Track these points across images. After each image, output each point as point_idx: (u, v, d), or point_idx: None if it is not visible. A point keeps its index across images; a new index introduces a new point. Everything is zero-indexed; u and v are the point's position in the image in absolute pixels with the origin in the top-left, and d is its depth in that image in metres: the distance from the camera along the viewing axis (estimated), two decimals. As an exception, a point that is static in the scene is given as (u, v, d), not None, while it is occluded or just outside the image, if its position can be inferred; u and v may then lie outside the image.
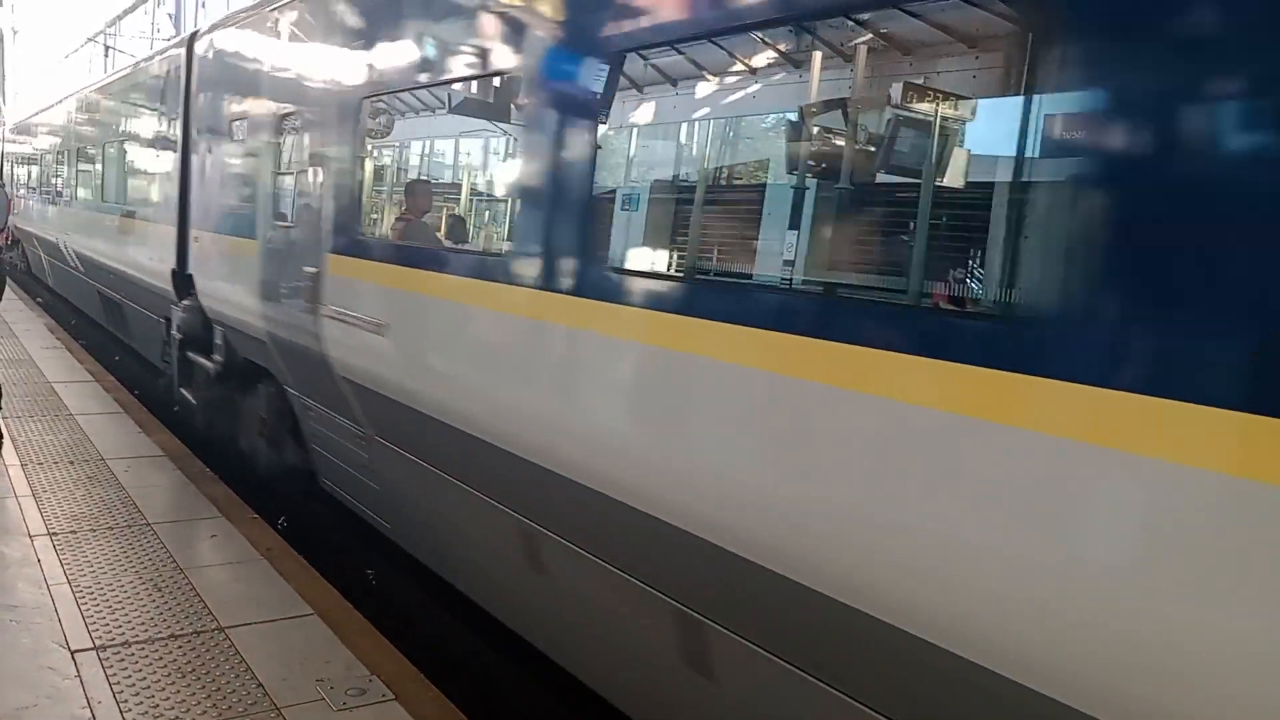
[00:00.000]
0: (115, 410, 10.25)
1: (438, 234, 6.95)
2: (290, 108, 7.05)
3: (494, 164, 8.79)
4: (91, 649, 4.89)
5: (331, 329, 6.09)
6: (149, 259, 10.87)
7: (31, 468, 7.82)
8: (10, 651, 4.84)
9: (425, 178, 9.27)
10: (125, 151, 13.31)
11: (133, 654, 4.88)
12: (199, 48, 9.46)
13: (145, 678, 4.65)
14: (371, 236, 6.60)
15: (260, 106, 7.66)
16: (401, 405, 5.31)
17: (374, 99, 5.95)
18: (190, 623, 5.28)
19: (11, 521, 6.60)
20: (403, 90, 5.98)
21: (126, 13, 40.81)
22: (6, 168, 27.03)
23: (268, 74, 7.57)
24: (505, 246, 5.42)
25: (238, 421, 8.71)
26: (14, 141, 28.81)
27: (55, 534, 6.40)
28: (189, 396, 9.58)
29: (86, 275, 15.35)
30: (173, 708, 4.41)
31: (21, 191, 24.40)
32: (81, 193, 16.48)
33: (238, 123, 8.34)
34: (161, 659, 4.85)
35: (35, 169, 23.04)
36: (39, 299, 20.59)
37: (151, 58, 12.38)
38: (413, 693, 4.72)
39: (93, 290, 15.29)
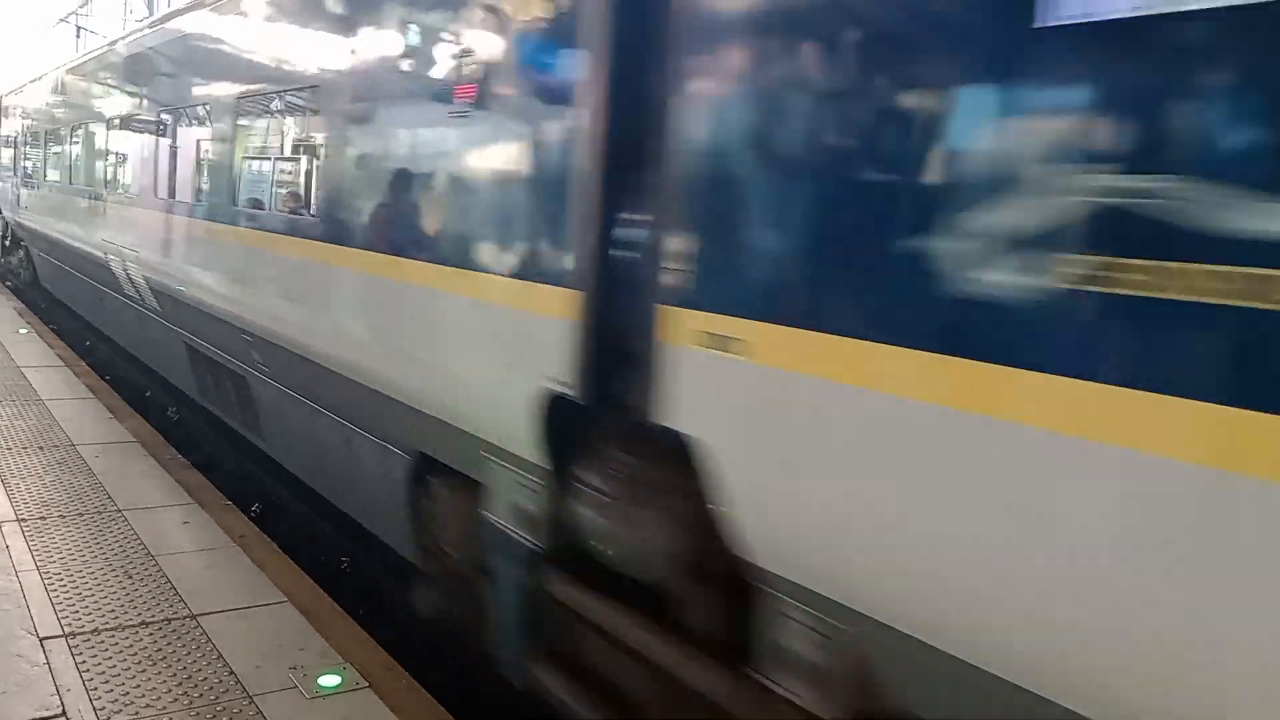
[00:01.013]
0: (86, 396, 10.14)
1: None
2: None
3: None
4: (61, 636, 4.84)
5: None
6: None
7: (0, 453, 7.72)
8: (-23, 639, 4.79)
9: None
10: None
11: (102, 641, 4.83)
12: None
13: (115, 665, 4.60)
14: None
15: None
16: None
17: None
18: (161, 610, 5.23)
19: (-21, 507, 6.52)
20: None
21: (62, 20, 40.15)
22: None
23: None
24: None
25: None
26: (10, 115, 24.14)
27: (24, 520, 6.32)
28: None
29: (171, 321, 9.58)
30: (143, 695, 4.37)
31: (13, 178, 20.28)
32: (158, 187, 9.66)
33: None
34: (132, 646, 4.80)
35: (48, 150, 16.98)
36: (7, 282, 20.28)
37: None
38: (386, 681, 4.69)
39: (180, 346, 9.49)
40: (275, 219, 6.87)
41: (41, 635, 4.82)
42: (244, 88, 7.69)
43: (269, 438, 7.61)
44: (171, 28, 9.77)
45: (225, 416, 8.66)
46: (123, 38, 12.21)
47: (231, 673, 4.62)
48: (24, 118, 20.04)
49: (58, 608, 5.14)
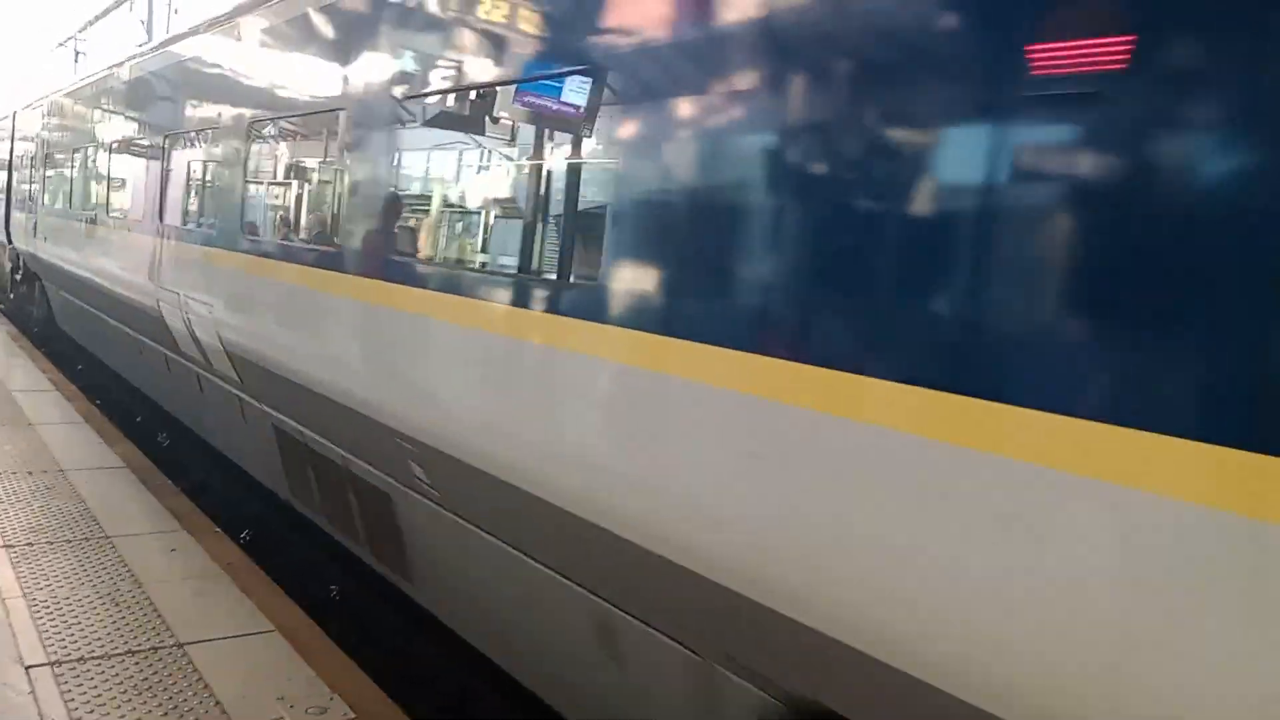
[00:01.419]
0: (76, 420, 10.10)
1: None
2: None
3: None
4: (46, 664, 4.80)
5: None
6: None
7: (-11, 478, 7.69)
8: (-38, 667, 4.75)
9: None
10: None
11: (88, 670, 4.79)
12: None
13: (101, 694, 4.56)
14: None
15: None
16: None
17: None
18: (148, 638, 5.19)
19: (-34, 533, 6.48)
20: None
21: (98, 18, 40.45)
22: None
23: None
24: None
25: None
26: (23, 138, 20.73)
27: (11, 546, 6.28)
28: None
29: (254, 396, 7.51)
30: (128, 725, 4.33)
31: (27, 202, 17.34)
32: (249, 223, 7.71)
33: None
34: (118, 675, 4.76)
35: (75, 171, 13.99)
36: (24, 326, 19.64)
37: None
38: (375, 712, 4.66)
39: (265, 429, 7.51)
40: (503, 284, 4.55)
41: (27, 663, 4.78)
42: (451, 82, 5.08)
43: (422, 580, 5.79)
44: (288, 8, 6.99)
45: (334, 531, 6.73)
46: (193, 31, 9.09)
47: (218, 703, 4.58)
48: (45, 133, 16.55)
49: (44, 635, 5.10)
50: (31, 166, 17.68)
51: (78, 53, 18.90)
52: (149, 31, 12.65)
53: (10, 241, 19.00)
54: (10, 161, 20.36)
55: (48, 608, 5.44)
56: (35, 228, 15.91)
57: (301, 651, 5.17)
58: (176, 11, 11.07)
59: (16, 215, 18.59)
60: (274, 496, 7.50)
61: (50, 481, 7.77)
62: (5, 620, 5.23)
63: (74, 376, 13.13)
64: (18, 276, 19.18)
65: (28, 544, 6.35)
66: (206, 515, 7.37)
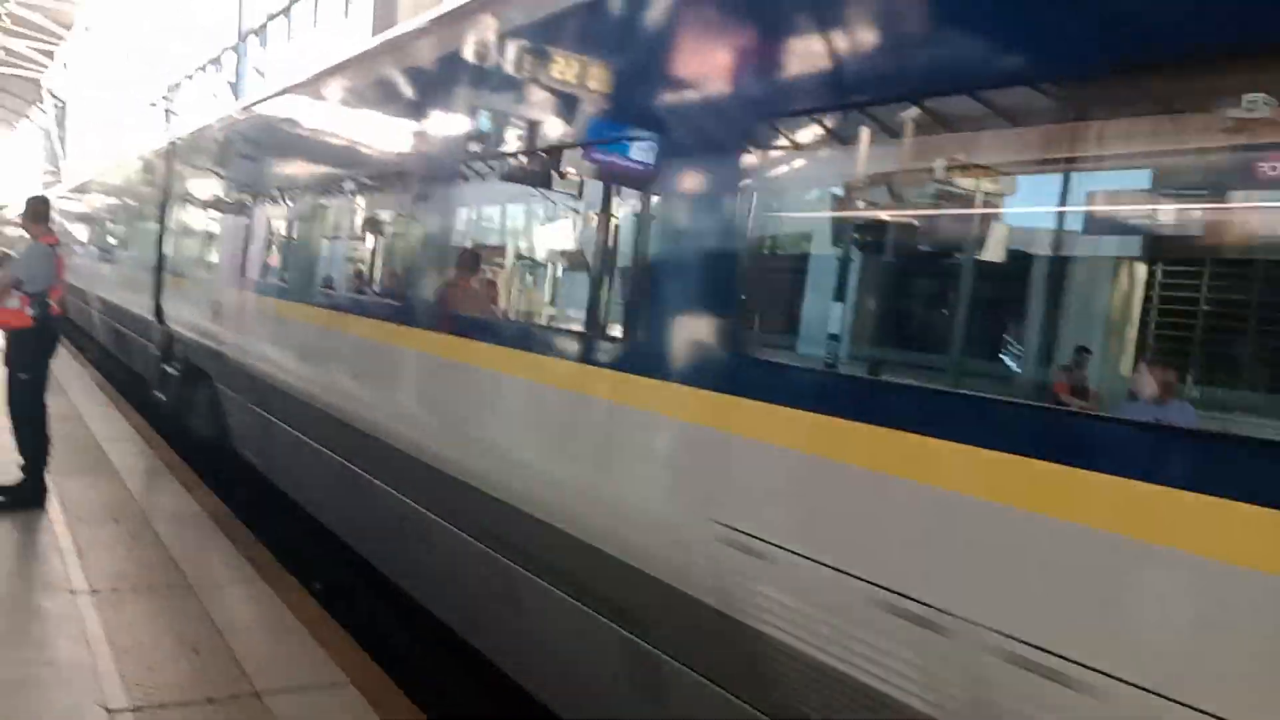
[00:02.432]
0: (159, 468, 10.38)
1: None
2: None
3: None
4: (129, 710, 4.91)
5: None
6: None
7: (76, 524, 7.92)
8: (48, 708, 4.89)
9: None
10: None
11: (169, 716, 4.89)
12: None
13: (181, 742, 4.66)
14: None
15: None
16: None
17: None
18: (227, 687, 5.28)
19: (55, 577, 6.68)
20: None
21: (187, 78, 42.17)
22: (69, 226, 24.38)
23: None
24: None
25: None
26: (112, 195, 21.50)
27: (97, 591, 6.46)
28: None
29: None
30: (207, 774, 4.41)
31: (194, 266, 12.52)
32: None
33: None
34: (197, 723, 4.86)
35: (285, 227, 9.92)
36: (89, 355, 20.70)
37: None
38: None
39: None
40: None
41: (110, 708, 4.90)
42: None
43: None
44: None
45: None
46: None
47: (294, 753, 4.64)
48: (219, 169, 11.84)
49: (126, 681, 5.22)
50: (205, 214, 12.41)
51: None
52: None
53: (163, 321, 13.44)
54: (164, 210, 14.79)
55: (130, 653, 5.57)
56: (217, 306, 10.73)
57: (374, 704, 5.22)
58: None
59: (175, 284, 13.30)
60: (346, 547, 7.58)
61: (135, 529, 7.99)
62: (90, 664, 5.37)
63: (157, 425, 13.12)
64: (173, 370, 12.86)
65: (113, 589, 6.54)
66: (283, 566, 7.50)
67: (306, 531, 8.56)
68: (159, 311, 13.66)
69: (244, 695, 5.19)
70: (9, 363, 8.35)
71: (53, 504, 8.31)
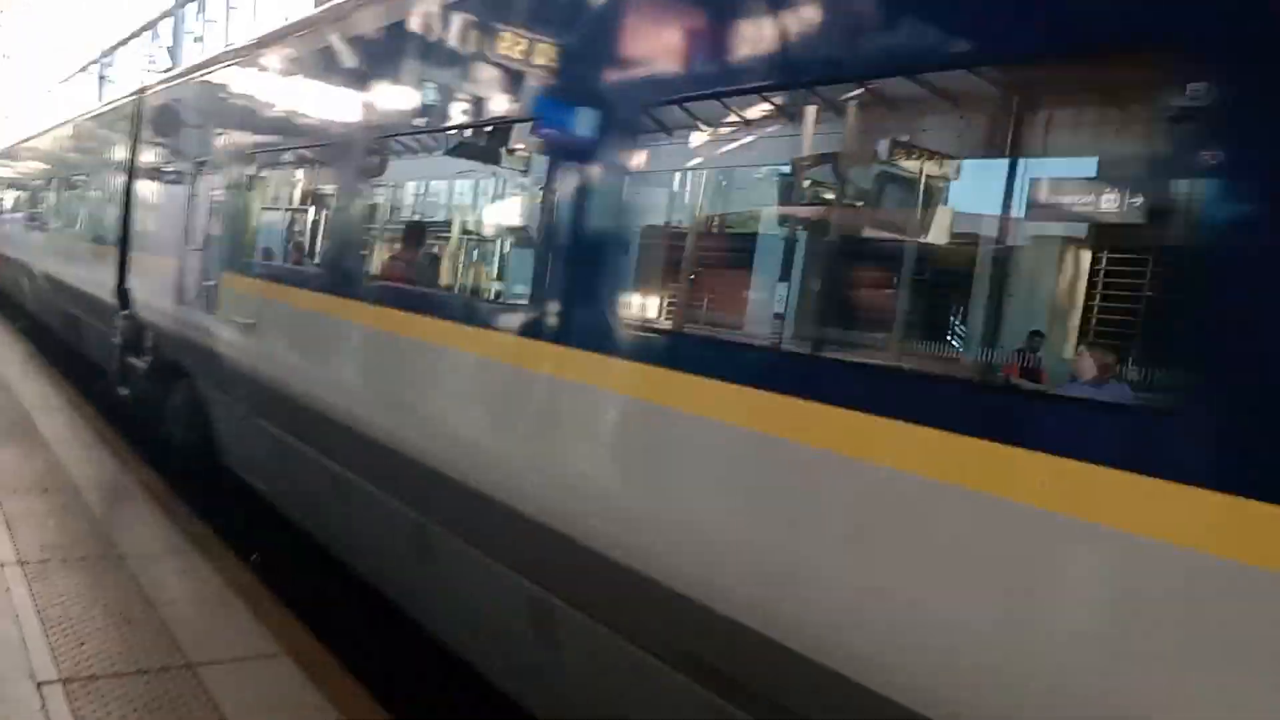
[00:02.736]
0: (92, 440, 10.18)
1: None
2: None
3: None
4: (58, 681, 4.84)
5: None
6: None
7: (4, 495, 7.75)
8: (-25, 681, 4.80)
9: None
10: None
11: (99, 688, 4.83)
12: None
13: (111, 712, 4.61)
14: None
15: None
16: None
17: None
18: (159, 658, 5.23)
19: (-18, 549, 6.54)
20: None
21: (122, 43, 41.07)
22: None
23: None
24: None
25: None
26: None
27: (26, 563, 6.34)
28: None
29: None
30: (138, 744, 4.37)
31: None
32: None
33: None
34: (129, 694, 4.80)
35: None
36: (18, 325, 20.04)
37: None
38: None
39: None
40: None
41: (39, 679, 4.83)
42: None
43: None
44: None
45: None
46: None
47: (227, 724, 4.62)
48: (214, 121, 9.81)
49: (56, 652, 5.15)
50: (190, 180, 9.88)
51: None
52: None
53: (127, 306, 11.59)
54: (131, 173, 12.34)
55: (60, 625, 5.50)
56: (207, 286, 8.85)
57: (310, 675, 5.20)
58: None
59: (144, 263, 11.24)
60: (285, 520, 7.51)
61: (65, 500, 7.84)
62: (19, 637, 5.28)
63: (89, 396, 12.78)
64: (139, 362, 10.99)
65: (43, 561, 6.42)
66: (218, 537, 7.42)
67: (242, 503, 8.47)
68: (122, 294, 11.67)
69: (175, 667, 5.14)
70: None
71: (-20, 475, 8.14)
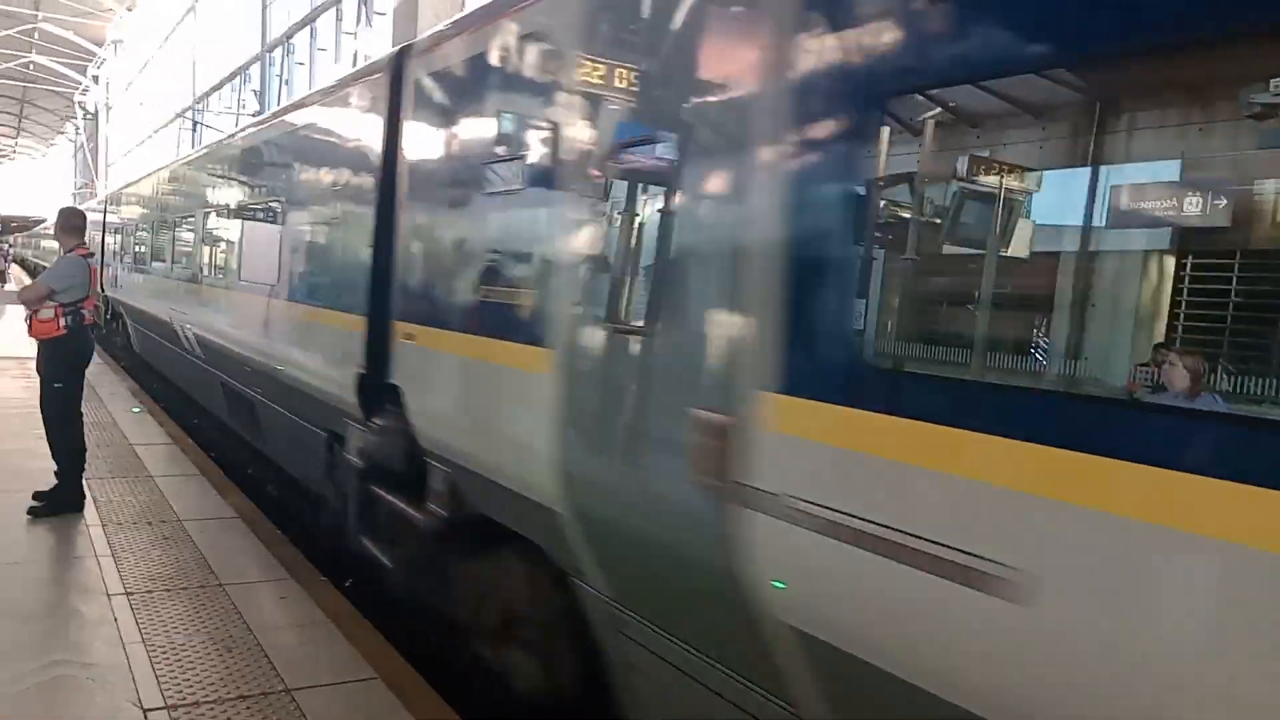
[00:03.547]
0: (193, 473, 10.54)
1: None
2: None
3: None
4: (163, 708, 5.01)
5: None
6: None
7: (111, 528, 8.06)
8: (86, 710, 4.99)
9: None
10: None
11: (202, 714, 4.98)
12: None
13: (214, 738, 4.74)
14: None
15: None
16: None
17: None
18: (258, 684, 5.37)
19: (91, 581, 6.81)
20: None
21: (214, 89, 42.63)
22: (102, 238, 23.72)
23: None
24: None
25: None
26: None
27: (132, 593, 6.58)
28: None
29: None
30: (239, 768, 4.48)
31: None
32: None
33: None
34: None
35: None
36: (123, 363, 20.83)
37: None
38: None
39: None
40: None
41: (146, 707, 5.00)
42: None
43: None
44: None
45: None
46: None
47: (323, 748, 4.71)
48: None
49: (161, 680, 5.32)
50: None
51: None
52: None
53: (381, 412, 6.73)
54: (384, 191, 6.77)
55: (165, 653, 5.67)
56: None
57: (403, 698, 5.29)
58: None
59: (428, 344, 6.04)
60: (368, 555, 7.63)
61: (169, 531, 8.12)
62: (126, 665, 5.47)
63: (191, 431, 13.34)
64: (412, 510, 6.18)
65: (148, 591, 6.65)
66: (311, 564, 7.60)
67: (334, 531, 8.65)
68: (376, 392, 6.72)
69: (275, 692, 5.28)
70: (43, 372, 8.50)
71: (89, 508, 8.46)
